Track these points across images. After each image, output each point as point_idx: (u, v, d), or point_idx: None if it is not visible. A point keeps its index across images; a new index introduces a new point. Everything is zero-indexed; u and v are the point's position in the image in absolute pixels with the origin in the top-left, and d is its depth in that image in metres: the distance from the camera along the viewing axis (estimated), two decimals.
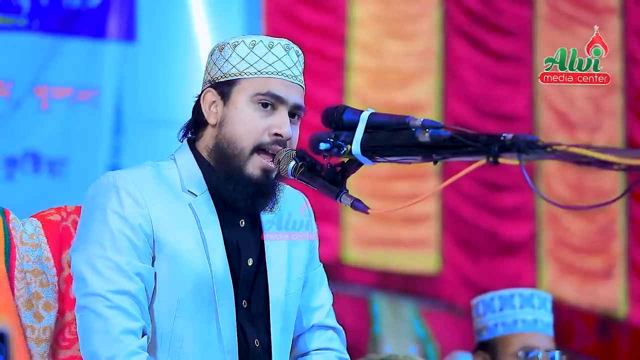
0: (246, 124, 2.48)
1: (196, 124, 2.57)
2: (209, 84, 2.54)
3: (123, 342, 2.37)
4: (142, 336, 2.41)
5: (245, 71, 2.50)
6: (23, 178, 5.14)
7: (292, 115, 2.52)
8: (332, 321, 2.73)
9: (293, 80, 2.52)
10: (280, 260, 2.57)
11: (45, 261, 2.57)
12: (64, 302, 2.58)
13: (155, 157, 2.61)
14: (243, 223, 2.55)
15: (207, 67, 2.58)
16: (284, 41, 2.55)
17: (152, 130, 5.17)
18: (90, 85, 5.30)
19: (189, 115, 2.60)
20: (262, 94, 2.48)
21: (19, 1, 5.14)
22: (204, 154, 2.54)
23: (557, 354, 3.21)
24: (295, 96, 2.52)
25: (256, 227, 2.57)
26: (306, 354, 2.68)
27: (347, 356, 2.71)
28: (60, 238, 2.60)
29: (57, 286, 2.57)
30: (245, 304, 2.52)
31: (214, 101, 2.52)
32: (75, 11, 5.26)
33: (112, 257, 2.41)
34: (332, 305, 2.74)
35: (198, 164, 2.53)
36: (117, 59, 5.36)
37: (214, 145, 2.51)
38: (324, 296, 2.72)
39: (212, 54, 2.57)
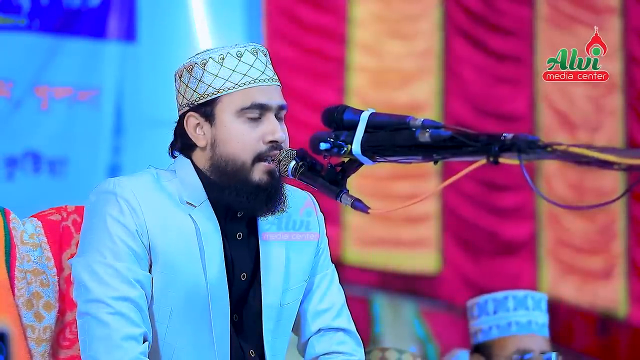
0: (240, 140, 2.46)
1: (184, 147, 2.54)
2: (188, 107, 2.51)
3: (124, 348, 2.37)
4: (143, 342, 2.41)
5: (222, 88, 2.47)
6: (23, 178, 5.13)
7: (277, 115, 2.51)
8: (343, 322, 2.66)
9: (270, 83, 2.50)
10: (276, 269, 2.54)
11: (45, 261, 2.57)
12: (65, 301, 2.58)
13: (155, 157, 2.61)
14: (240, 236, 2.53)
15: (178, 90, 2.54)
16: (250, 45, 2.52)
17: (152, 130, 5.15)
18: (90, 85, 5.29)
19: None
20: (247, 108, 2.47)
21: (19, 1, 5.13)
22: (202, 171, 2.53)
23: (553, 355, 3.19)
24: (277, 98, 2.50)
25: (254, 238, 2.55)
26: (315, 359, 2.64)
27: (359, 358, 2.65)
28: (60, 238, 2.60)
29: (57, 286, 2.57)
30: (236, 318, 2.51)
31: (198, 123, 2.50)
32: (76, 11, 5.25)
33: (112, 264, 2.41)
34: (342, 306, 2.67)
35: (198, 176, 2.51)
36: (117, 59, 5.35)
37: (212, 166, 2.49)
38: (332, 298, 2.66)
39: (180, 76, 2.53)
